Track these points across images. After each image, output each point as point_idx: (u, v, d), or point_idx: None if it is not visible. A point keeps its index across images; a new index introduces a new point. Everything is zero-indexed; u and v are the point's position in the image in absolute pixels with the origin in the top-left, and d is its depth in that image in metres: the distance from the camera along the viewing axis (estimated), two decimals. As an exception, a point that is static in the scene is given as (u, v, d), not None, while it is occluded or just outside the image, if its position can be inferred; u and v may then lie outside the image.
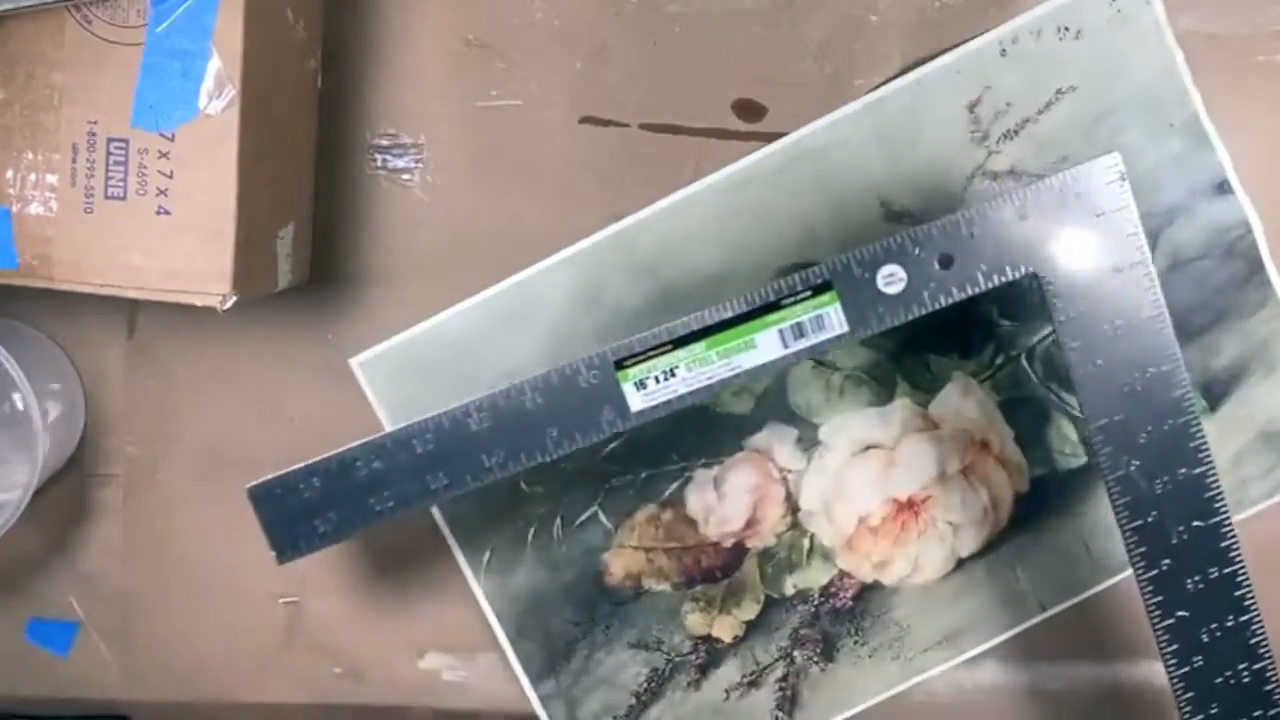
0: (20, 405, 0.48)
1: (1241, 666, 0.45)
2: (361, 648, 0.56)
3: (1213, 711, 0.45)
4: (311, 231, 0.51)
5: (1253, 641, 0.44)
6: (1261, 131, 0.49)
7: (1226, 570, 0.44)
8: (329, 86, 0.51)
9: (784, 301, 0.44)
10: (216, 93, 0.42)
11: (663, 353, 0.44)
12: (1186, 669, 0.45)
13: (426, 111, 0.51)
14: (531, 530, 0.54)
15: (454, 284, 0.52)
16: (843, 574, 0.53)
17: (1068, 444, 0.52)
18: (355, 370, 0.52)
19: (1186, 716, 0.45)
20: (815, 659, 0.54)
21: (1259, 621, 0.44)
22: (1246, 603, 0.44)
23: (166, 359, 0.54)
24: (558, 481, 0.54)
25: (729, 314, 0.44)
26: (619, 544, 0.54)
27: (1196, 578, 0.44)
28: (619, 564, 0.54)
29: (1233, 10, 0.48)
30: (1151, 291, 0.43)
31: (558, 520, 0.54)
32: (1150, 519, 0.44)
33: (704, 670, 0.54)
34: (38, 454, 0.48)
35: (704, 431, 0.53)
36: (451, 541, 0.53)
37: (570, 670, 0.54)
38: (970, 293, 0.43)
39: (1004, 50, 0.49)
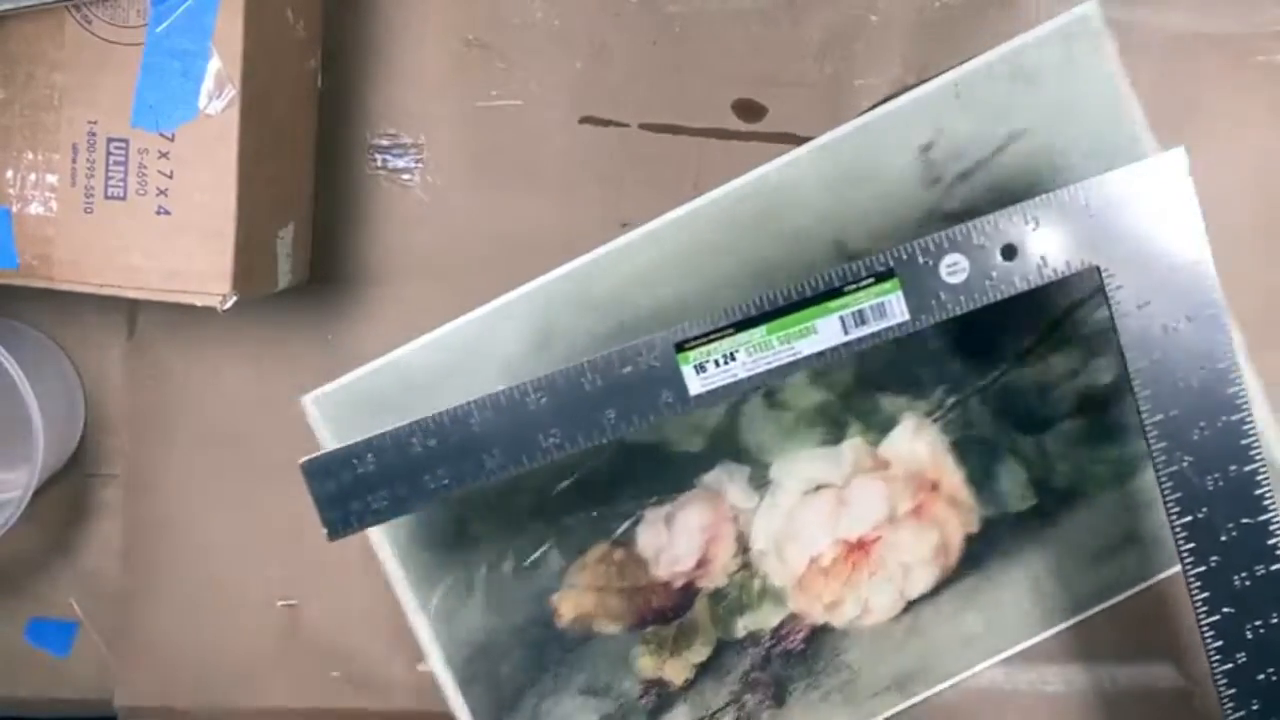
0: (20, 405, 0.48)
1: None
2: (360, 651, 0.56)
3: (1254, 708, 0.45)
4: (311, 231, 0.51)
5: None
6: (1261, 132, 0.49)
7: (1274, 567, 0.44)
8: (329, 86, 0.51)
9: (846, 288, 0.44)
10: (216, 93, 0.42)
11: (724, 336, 0.44)
12: (1230, 665, 0.45)
13: (426, 111, 0.51)
14: (482, 571, 0.53)
15: (454, 284, 0.52)
16: (793, 615, 0.53)
17: (1018, 485, 0.52)
18: (307, 407, 0.51)
19: (1229, 712, 0.45)
20: (766, 702, 0.53)
21: None
22: None
23: (166, 359, 0.54)
24: (509, 521, 0.53)
25: (792, 298, 0.44)
26: (570, 584, 0.53)
27: (1244, 574, 0.44)
28: (569, 605, 0.53)
29: (1233, 10, 0.48)
30: (1212, 289, 0.43)
31: (509, 560, 0.53)
32: (1201, 515, 0.44)
33: (655, 715, 0.53)
34: (38, 454, 0.48)
35: (656, 469, 0.53)
36: (402, 583, 0.52)
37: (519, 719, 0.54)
38: (1031, 284, 0.43)
39: (958, 94, 0.49)
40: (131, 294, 0.43)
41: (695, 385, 0.45)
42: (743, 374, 0.45)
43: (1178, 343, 0.43)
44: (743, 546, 0.53)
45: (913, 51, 0.49)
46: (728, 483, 0.52)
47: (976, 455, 0.52)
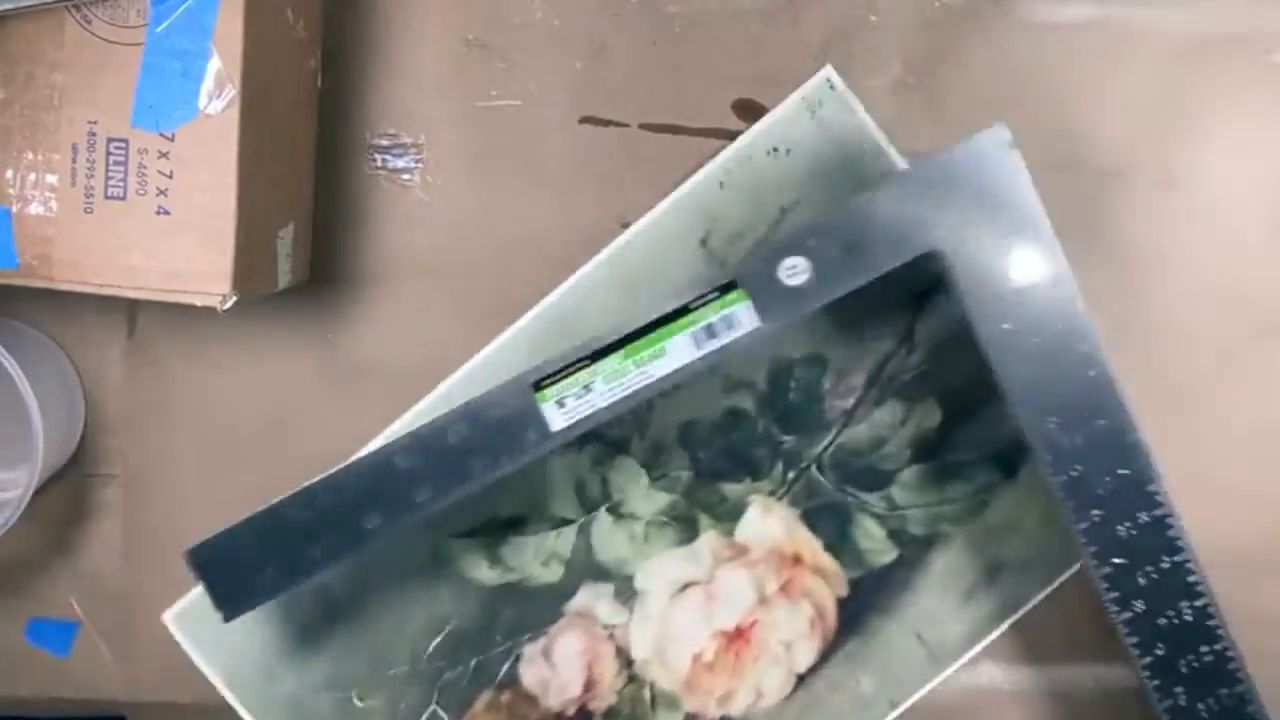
0: (20, 405, 0.48)
1: (1203, 649, 0.47)
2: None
3: (1180, 697, 0.47)
4: (311, 231, 0.51)
5: (1209, 624, 0.46)
6: (1261, 132, 0.49)
7: (1176, 558, 0.46)
8: (329, 86, 0.51)
9: (693, 305, 0.45)
10: (216, 93, 0.42)
11: (579, 368, 0.45)
12: (1150, 658, 0.46)
13: (426, 111, 0.51)
14: None
15: (453, 284, 0.52)
16: (690, 716, 0.54)
17: (876, 541, 0.53)
18: (169, 625, 0.52)
19: (1159, 702, 0.47)
20: None
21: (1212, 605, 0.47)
22: (1198, 587, 0.46)
23: (166, 359, 0.54)
24: (390, 690, 0.54)
25: (641, 323, 0.45)
26: None
27: (1149, 568, 0.46)
28: None
29: (1233, 10, 0.48)
30: (1052, 254, 0.44)
31: None
32: (1074, 473, 0.45)
33: None
34: (38, 454, 0.48)
35: (521, 607, 0.54)
36: None
37: None
38: (873, 276, 0.44)
39: (721, 183, 0.50)
40: (131, 294, 0.43)
41: (557, 421, 0.45)
42: (601, 403, 0.45)
43: (1025, 311, 0.44)
44: (625, 661, 0.54)
45: (913, 51, 0.49)
46: (595, 603, 0.53)
47: (829, 522, 0.53)
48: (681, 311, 0.45)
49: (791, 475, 0.53)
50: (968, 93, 0.50)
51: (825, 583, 0.53)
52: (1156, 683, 0.47)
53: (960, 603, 0.53)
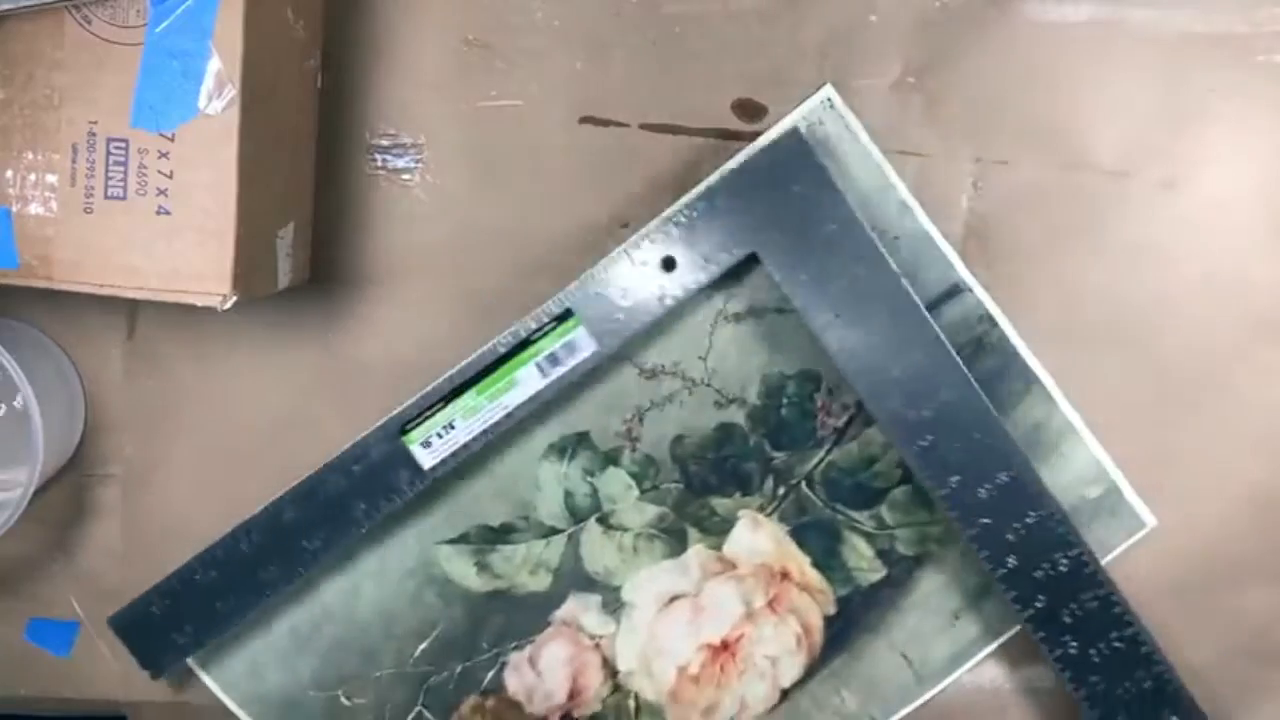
0: (20, 405, 0.47)
1: (1085, 596, 0.49)
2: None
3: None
4: (311, 231, 0.51)
5: (1086, 571, 0.48)
6: (1261, 132, 0.49)
7: (1042, 512, 0.48)
8: (329, 86, 0.51)
9: (534, 337, 0.48)
10: (216, 93, 0.42)
11: (438, 410, 0.48)
12: (1031, 611, 0.49)
13: (426, 111, 0.51)
14: None
15: (453, 284, 0.52)
16: None
17: (864, 560, 0.53)
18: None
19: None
20: None
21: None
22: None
23: (166, 359, 0.54)
24: (375, 691, 0.54)
25: (488, 360, 0.48)
26: None
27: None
28: None
29: (1233, 10, 0.48)
30: (868, 244, 0.47)
31: None
32: (924, 444, 0.48)
33: None
34: (38, 454, 0.48)
35: (508, 615, 0.54)
36: None
37: None
38: (697, 286, 0.47)
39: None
40: (131, 294, 0.43)
41: (426, 460, 0.49)
42: (464, 438, 0.49)
43: (855, 300, 0.47)
44: (610, 671, 0.54)
45: (913, 51, 0.49)
46: (582, 613, 0.54)
47: (818, 539, 0.53)
48: (524, 344, 0.48)
49: (781, 491, 0.53)
50: (968, 93, 0.50)
51: (813, 600, 0.53)
52: (1042, 634, 0.49)
53: (947, 623, 0.53)
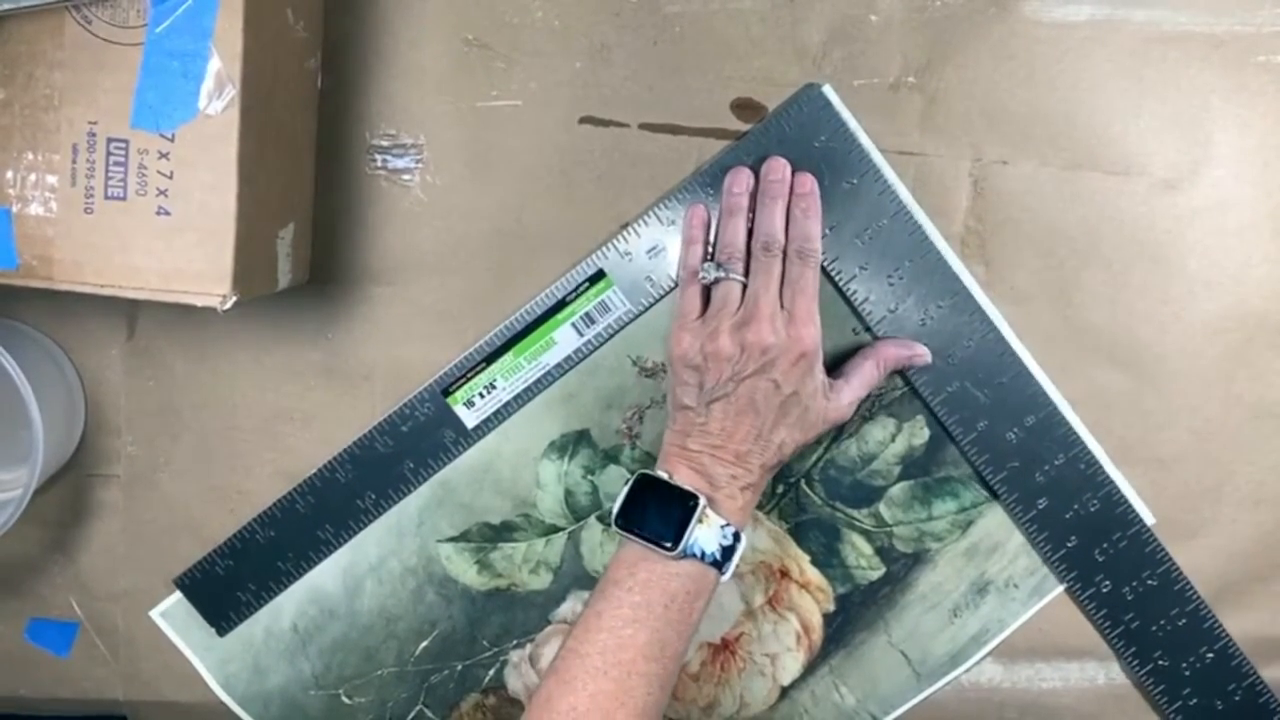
0: (20, 405, 0.48)
1: (1116, 535, 0.50)
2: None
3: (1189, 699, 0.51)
4: (311, 231, 0.51)
5: (1119, 511, 0.50)
6: (1261, 132, 0.49)
7: (1072, 453, 0.50)
8: (329, 86, 0.51)
9: (569, 298, 0.50)
10: (216, 93, 0.42)
11: (480, 371, 0.50)
12: (1064, 550, 0.51)
13: (426, 111, 0.51)
14: None
15: (453, 284, 0.52)
16: None
17: (863, 558, 0.53)
18: (158, 621, 0.55)
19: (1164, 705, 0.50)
20: None
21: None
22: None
23: (166, 359, 0.54)
24: (378, 690, 0.55)
25: (526, 321, 0.50)
26: None
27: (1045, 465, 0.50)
28: None
29: (1233, 10, 0.48)
30: (891, 196, 0.49)
31: None
32: (951, 388, 0.50)
33: None
34: (38, 454, 0.48)
35: (509, 614, 0.54)
36: None
37: None
38: None
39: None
40: (131, 294, 0.43)
41: (470, 419, 0.51)
42: (506, 397, 0.51)
43: (877, 250, 0.49)
44: None
45: (913, 51, 0.49)
46: None
47: (817, 537, 0.53)
48: (560, 305, 0.50)
49: (780, 489, 0.53)
50: (968, 93, 0.50)
51: (812, 598, 0.53)
52: (1075, 574, 0.51)
53: (945, 621, 0.53)
